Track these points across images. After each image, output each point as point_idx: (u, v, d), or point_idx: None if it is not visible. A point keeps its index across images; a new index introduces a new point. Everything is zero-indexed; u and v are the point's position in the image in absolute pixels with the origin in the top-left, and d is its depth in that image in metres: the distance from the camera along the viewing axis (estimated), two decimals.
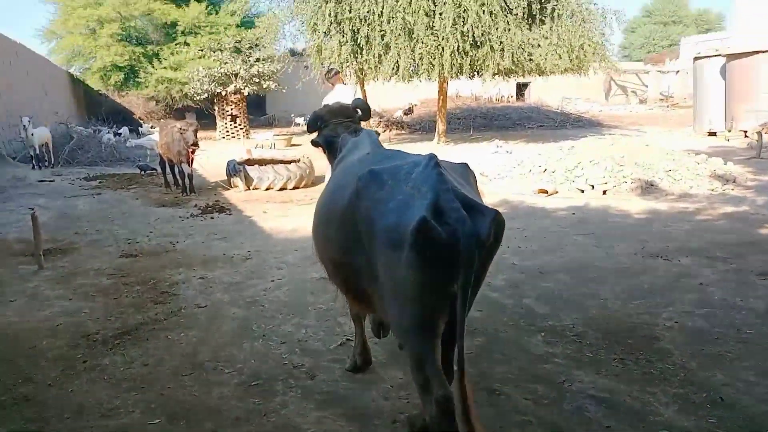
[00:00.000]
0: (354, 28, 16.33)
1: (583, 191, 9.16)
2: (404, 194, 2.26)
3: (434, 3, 15.48)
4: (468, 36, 15.13)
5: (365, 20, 16.15)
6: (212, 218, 8.31)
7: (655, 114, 33.80)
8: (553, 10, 15.72)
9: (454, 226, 2.08)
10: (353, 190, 2.42)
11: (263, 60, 23.75)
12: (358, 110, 3.68)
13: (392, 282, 2.25)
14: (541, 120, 27.15)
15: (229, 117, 25.08)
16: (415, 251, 2.10)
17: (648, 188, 9.04)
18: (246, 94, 24.30)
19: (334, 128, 3.56)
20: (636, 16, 61.82)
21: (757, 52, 16.37)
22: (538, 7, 15.87)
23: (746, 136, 16.93)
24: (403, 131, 26.01)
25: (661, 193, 8.88)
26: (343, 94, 8.25)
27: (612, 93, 43.57)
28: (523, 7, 15.33)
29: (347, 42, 16.40)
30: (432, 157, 2.36)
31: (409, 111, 30.64)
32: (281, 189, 10.36)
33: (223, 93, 24.08)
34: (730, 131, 17.59)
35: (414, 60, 15.70)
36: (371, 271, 2.37)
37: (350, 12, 16.10)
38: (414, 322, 2.25)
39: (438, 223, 2.07)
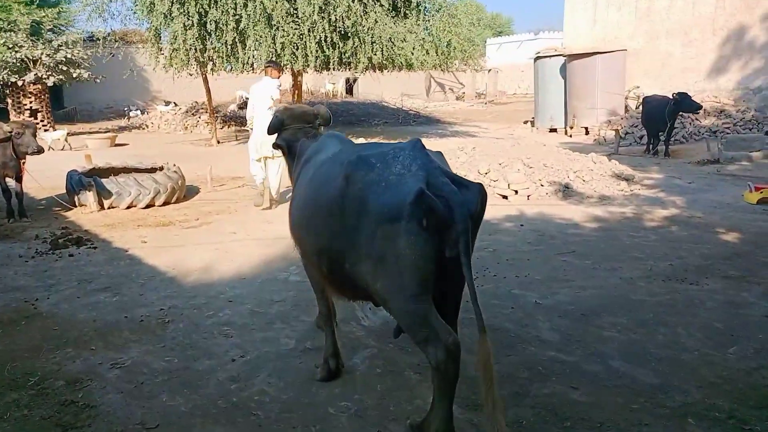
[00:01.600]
0: (201, 9, 14.10)
1: (506, 197, 8.54)
2: (395, 174, 2.50)
3: None
4: (337, 26, 13.85)
5: (216, 2, 14.02)
6: (71, 256, 6.09)
7: (478, 110, 35.59)
8: (419, 3, 15.12)
9: (447, 197, 2.37)
10: (342, 176, 2.63)
11: (73, 44, 19.97)
12: (318, 116, 3.93)
13: (392, 253, 2.44)
14: (384, 116, 26.85)
15: (28, 111, 20.80)
16: (415, 220, 2.35)
17: (565, 191, 8.70)
18: (51, 84, 20.27)
19: (294, 132, 3.84)
20: None
21: (596, 53, 17.49)
22: None
23: (587, 133, 18.11)
24: (242, 127, 23.81)
25: (580, 195, 8.58)
26: (265, 88, 8.10)
27: (432, 90, 45.38)
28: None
29: (193, 26, 14.11)
30: (417, 141, 2.67)
31: (243, 105, 28.35)
32: (148, 206, 8.21)
33: (19, 83, 19.83)
34: (572, 128, 18.67)
35: (276, 50, 13.99)
36: (361, 252, 2.56)
37: None
38: (418, 286, 2.45)
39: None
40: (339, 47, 14.29)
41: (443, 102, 41.11)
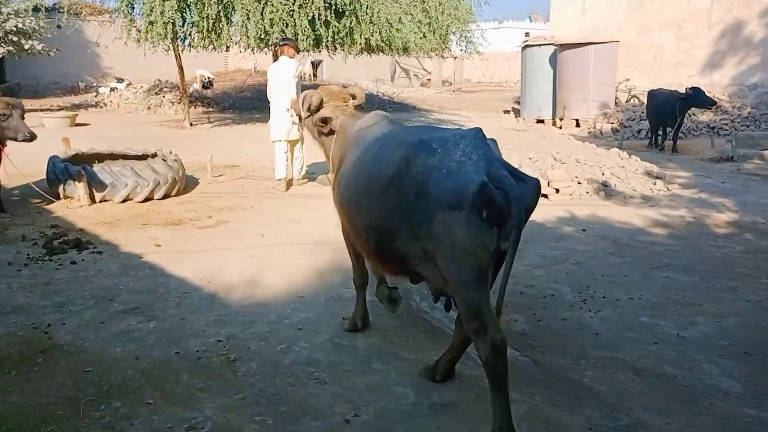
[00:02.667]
0: None
1: (546, 196, 7.84)
2: (456, 162, 2.55)
3: None
4: (332, 3, 12.81)
5: None
6: (74, 263, 5.02)
7: (448, 98, 34.91)
8: None
9: (506, 190, 2.44)
10: (402, 158, 2.72)
11: (24, 12, 18.10)
12: (354, 96, 4.01)
13: (450, 239, 2.50)
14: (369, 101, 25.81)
15: None
16: (476, 211, 2.42)
17: (605, 190, 8.09)
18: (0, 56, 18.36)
19: (333, 111, 3.88)
20: None
21: (590, 44, 17.02)
22: None
23: (578, 125, 17.71)
24: (210, 108, 22.36)
25: (622, 195, 7.98)
26: (286, 67, 7.81)
27: (397, 75, 44.58)
28: None
29: None
30: (479, 130, 2.73)
31: (208, 84, 26.78)
32: (146, 199, 7.11)
33: None
34: (561, 119, 18.21)
35: (264, 27, 12.84)
36: (416, 232, 2.65)
37: None
38: (472, 275, 2.54)
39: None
40: (333, 26, 13.24)
41: (410, 88, 40.37)
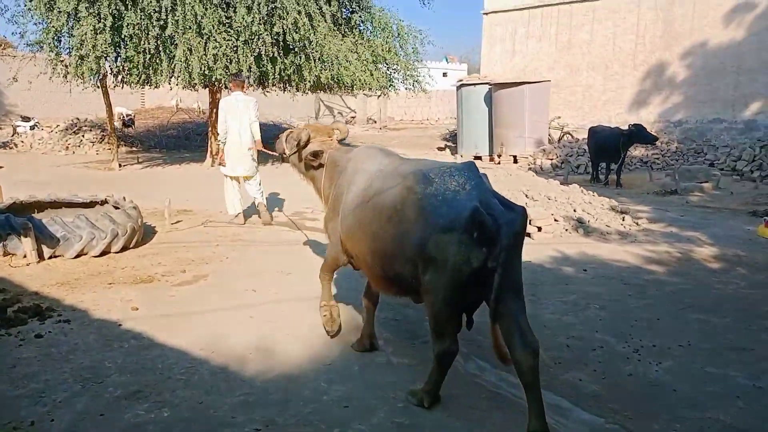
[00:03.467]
0: (115, 11, 11.93)
1: (529, 235, 7.68)
2: (451, 190, 2.92)
3: None
4: (279, 39, 12.39)
5: (134, 3, 11.96)
6: (40, 336, 4.21)
7: (375, 135, 35.08)
8: (363, 21, 14.11)
9: (496, 216, 2.78)
10: (403, 187, 3.10)
11: None
12: (338, 131, 4.34)
13: (442, 256, 2.84)
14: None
15: None
16: (468, 233, 2.76)
17: (582, 226, 8.06)
18: None
19: (321, 145, 4.19)
20: None
21: (525, 83, 17.54)
22: (343, 15, 14.03)
23: (515, 161, 18.08)
24: (134, 148, 21.05)
25: (597, 231, 7.97)
26: (243, 104, 7.81)
27: (321, 113, 44.54)
28: (332, 13, 13.28)
29: (105, 30, 11.87)
30: (472, 163, 3.15)
31: (129, 123, 25.30)
32: (102, 253, 6.27)
33: None
34: (500, 156, 18.55)
35: (207, 63, 12.18)
36: (413, 254, 2.98)
37: None
38: (452, 289, 2.89)
39: None
40: (279, 62, 12.79)
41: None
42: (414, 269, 3.01)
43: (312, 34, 12.30)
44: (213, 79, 12.47)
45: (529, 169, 16.67)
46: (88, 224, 6.16)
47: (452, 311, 3.00)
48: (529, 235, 7.68)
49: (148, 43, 12.16)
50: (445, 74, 52.30)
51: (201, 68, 12.01)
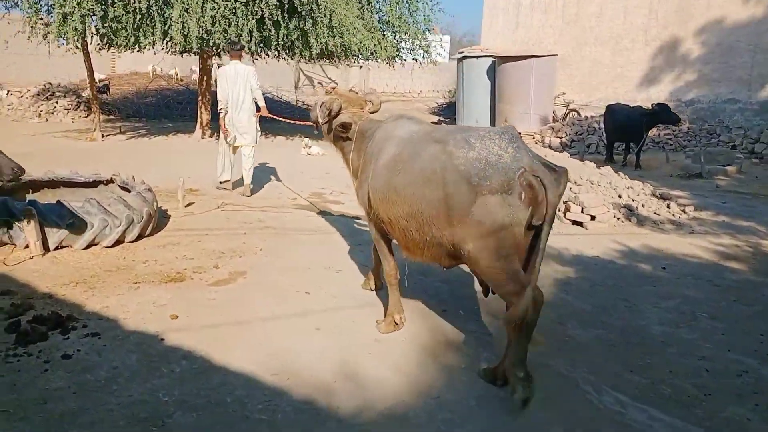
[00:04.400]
0: None
1: (580, 224, 7.07)
2: (494, 154, 2.95)
3: None
4: (285, 1, 11.37)
5: None
6: (68, 357, 3.42)
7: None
8: None
9: (541, 177, 2.90)
10: (443, 151, 3.10)
11: None
12: (371, 102, 4.21)
13: (491, 219, 2.90)
14: (285, 111, 24.07)
15: None
16: (516, 194, 2.88)
17: (632, 215, 7.46)
18: None
19: (351, 116, 4.09)
20: None
21: (532, 56, 16.82)
22: None
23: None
24: (112, 116, 19.73)
25: (651, 221, 7.38)
26: (244, 73, 7.70)
27: (301, 83, 43.19)
28: None
29: None
30: (511, 126, 3.50)
31: (104, 89, 23.75)
32: (115, 243, 5.41)
33: None
34: None
35: (204, 25, 11.11)
36: (457, 217, 3.01)
37: None
38: (510, 249, 2.96)
39: None
40: (282, 27, 11.78)
41: (317, 96, 39.00)
42: (454, 233, 3.07)
43: None
44: (211, 44, 11.39)
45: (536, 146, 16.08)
46: (99, 209, 5.29)
47: (516, 267, 3.01)
48: (581, 224, 7.07)
49: (139, 2, 11.01)
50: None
51: (199, 31, 10.93)
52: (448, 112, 26.49)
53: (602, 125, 15.91)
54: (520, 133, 3.43)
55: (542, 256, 3.01)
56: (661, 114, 11.97)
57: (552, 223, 2.97)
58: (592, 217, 7.07)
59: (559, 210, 7.42)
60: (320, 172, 10.58)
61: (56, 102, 19.16)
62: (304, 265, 5.20)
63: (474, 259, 3.03)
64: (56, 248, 5.14)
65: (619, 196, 7.98)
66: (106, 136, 14.65)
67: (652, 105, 12.32)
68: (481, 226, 2.92)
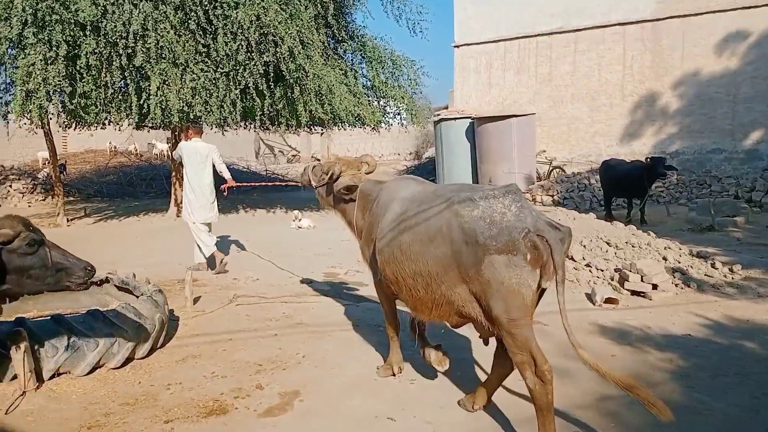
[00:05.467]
0: (69, 37, 9.88)
1: (642, 294, 6.34)
2: (498, 213, 2.95)
3: (210, 17, 10.55)
4: (269, 70, 10.71)
5: (95, 29, 9.98)
6: None
7: None
8: (354, 51, 12.68)
9: (546, 236, 2.87)
10: (448, 210, 3.14)
11: None
12: (366, 164, 4.37)
13: (498, 280, 2.90)
14: (257, 179, 23.19)
15: None
16: (521, 254, 2.86)
17: (688, 280, 6.81)
18: None
19: (352, 179, 4.21)
20: None
21: (512, 116, 16.64)
22: (330, 45, 12.56)
23: None
24: (72, 198, 18.37)
25: (706, 285, 6.75)
26: (205, 151, 7.69)
27: (262, 152, 42.62)
28: (321, 42, 11.76)
29: (57, 59, 9.76)
30: (514, 184, 3.20)
31: (62, 168, 22.32)
32: (123, 363, 4.32)
33: None
34: None
35: (184, 98, 10.29)
36: (463, 275, 3.06)
37: (66, 10, 9.69)
38: (519, 312, 2.92)
39: None
40: (267, 97, 11.07)
41: (283, 165, 38.51)
42: (465, 291, 3.10)
43: (308, 64, 10.69)
44: (191, 117, 10.54)
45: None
46: (105, 323, 4.22)
47: (525, 330, 2.98)
48: (642, 294, 6.34)
49: (111, 76, 10.14)
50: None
51: (180, 104, 10.08)
52: (417, 174, 26.21)
53: (592, 181, 15.73)
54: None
55: (567, 320, 2.93)
56: (659, 167, 11.66)
57: (563, 282, 2.93)
58: (654, 286, 6.37)
59: (612, 280, 6.73)
60: (321, 248, 9.65)
61: (10, 185, 17.76)
62: (369, 377, 4.22)
63: (492, 317, 3.01)
64: (52, 376, 4.02)
65: (664, 259, 7.36)
66: (71, 220, 13.40)
67: (646, 158, 12.08)
68: (490, 286, 2.93)
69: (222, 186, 7.73)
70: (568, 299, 6.13)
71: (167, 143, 31.11)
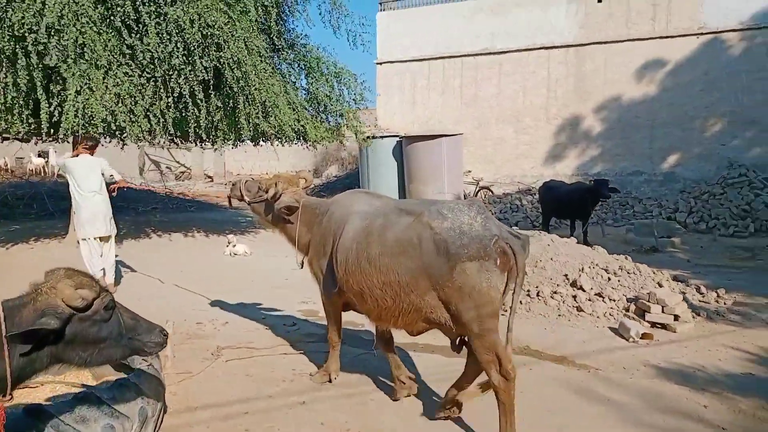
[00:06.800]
0: None
1: (665, 327, 5.98)
2: (466, 223, 3.21)
3: (139, 14, 9.14)
4: (210, 76, 9.46)
5: None
6: None
7: (228, 191, 31.55)
8: (294, 60, 11.68)
9: (510, 244, 3.16)
10: (418, 223, 3.34)
11: None
12: (304, 179, 4.60)
13: (469, 285, 3.13)
14: (152, 201, 20.94)
15: None
16: (492, 260, 3.12)
17: (696, 309, 6.59)
18: None
19: (292, 196, 4.36)
20: None
21: (442, 135, 16.39)
22: (271, 49, 11.50)
23: None
24: None
25: (712, 312, 6.57)
26: (96, 164, 7.32)
27: (147, 168, 39.66)
28: (263, 47, 10.67)
29: None
30: (476, 200, 5.87)
31: None
32: None
33: None
34: None
35: (106, 105, 8.75)
36: (436, 283, 3.25)
37: None
38: (488, 315, 3.16)
39: None
40: (203, 107, 9.77)
41: (174, 182, 35.96)
42: (434, 298, 3.29)
43: (254, 72, 9.56)
44: (113, 128, 8.97)
45: None
46: (102, 411, 3.01)
47: (492, 332, 3.20)
48: (664, 326, 5.98)
49: (17, 76, 8.39)
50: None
51: (104, 112, 8.52)
52: (329, 191, 25.29)
53: (524, 202, 15.79)
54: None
55: (512, 318, 3.23)
56: (604, 189, 11.78)
57: (521, 286, 3.34)
58: (676, 317, 6.04)
59: (627, 311, 6.34)
60: (275, 279, 8.52)
61: None
62: None
63: (460, 322, 3.23)
64: None
65: (659, 285, 7.13)
66: None
67: (590, 180, 12.20)
68: (462, 291, 3.14)
69: (111, 186, 7.45)
70: (594, 335, 5.67)
71: (43, 158, 27.97)
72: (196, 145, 11.99)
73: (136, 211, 19.45)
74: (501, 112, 17.61)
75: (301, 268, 4.47)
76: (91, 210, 7.22)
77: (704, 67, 15.21)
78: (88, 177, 7.24)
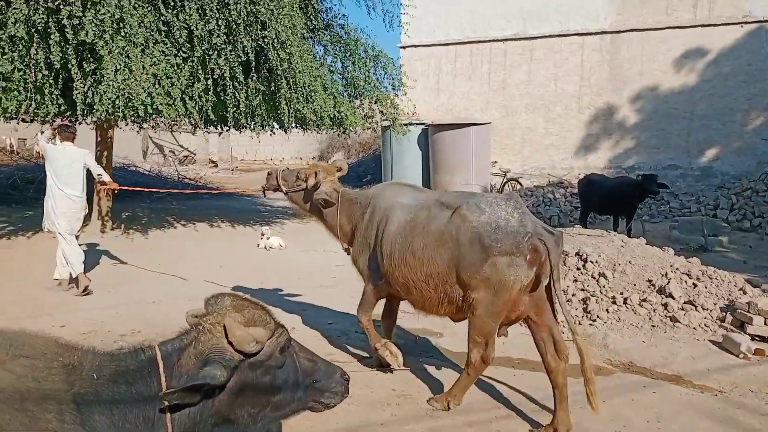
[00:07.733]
0: None
1: (762, 352, 5.53)
2: (503, 218, 3.43)
3: None
4: (252, 57, 8.90)
5: None
6: None
7: (233, 177, 31.10)
8: (332, 43, 11.10)
9: (545, 240, 3.36)
10: (457, 215, 3.57)
11: None
12: (340, 168, 4.55)
13: (496, 277, 3.37)
14: (159, 183, 20.34)
15: None
16: (523, 256, 3.33)
17: None
18: None
19: (330, 186, 4.38)
20: None
21: (471, 124, 15.86)
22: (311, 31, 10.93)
23: None
24: None
25: None
26: (74, 155, 7.02)
27: (150, 152, 38.96)
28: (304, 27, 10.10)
29: None
30: (515, 194, 4.06)
31: None
32: None
33: None
34: None
35: (142, 86, 8.19)
36: (468, 274, 3.46)
37: None
38: (502, 306, 3.46)
39: None
40: (242, 90, 9.21)
41: (182, 167, 35.29)
42: (464, 289, 3.53)
43: (298, 53, 9.00)
44: (150, 111, 8.42)
45: None
46: None
47: (496, 322, 3.50)
48: (763, 352, 5.53)
49: (49, 52, 7.82)
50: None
51: (144, 94, 7.97)
52: (343, 181, 24.74)
53: (557, 195, 15.31)
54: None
55: (565, 309, 3.43)
56: (653, 184, 11.31)
57: (560, 280, 3.47)
58: None
59: (721, 321, 5.89)
60: (321, 277, 8.03)
61: None
62: None
63: (474, 307, 3.48)
64: None
65: (743, 291, 6.70)
66: None
67: (637, 175, 11.74)
68: (488, 282, 3.38)
69: (101, 186, 7.39)
70: (699, 350, 5.21)
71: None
72: (230, 130, 11.41)
73: (150, 197, 18.90)
74: (530, 101, 17.08)
75: (348, 254, 4.49)
76: (62, 210, 6.98)
77: (747, 58, 14.70)
78: (68, 168, 6.97)
